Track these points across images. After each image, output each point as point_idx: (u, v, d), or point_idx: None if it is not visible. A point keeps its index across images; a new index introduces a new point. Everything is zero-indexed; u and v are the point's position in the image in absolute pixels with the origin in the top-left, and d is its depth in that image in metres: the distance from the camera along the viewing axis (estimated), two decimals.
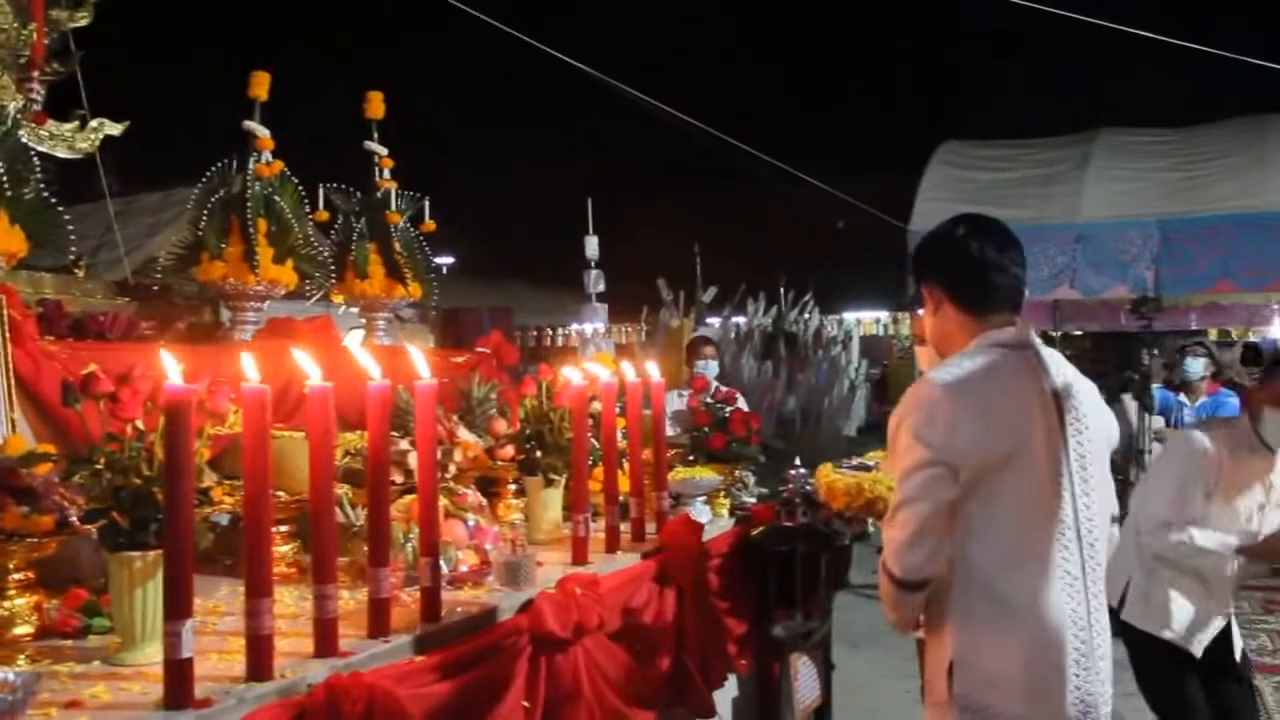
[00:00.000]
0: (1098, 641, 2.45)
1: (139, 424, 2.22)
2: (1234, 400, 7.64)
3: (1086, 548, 2.46)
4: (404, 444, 3.24)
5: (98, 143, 4.24)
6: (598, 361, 3.77)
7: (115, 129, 4.30)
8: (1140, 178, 10.74)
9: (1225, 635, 3.99)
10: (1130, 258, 10.06)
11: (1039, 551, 2.40)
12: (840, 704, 4.62)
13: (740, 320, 15.21)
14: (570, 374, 3.39)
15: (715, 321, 14.98)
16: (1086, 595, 2.44)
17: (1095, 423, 2.53)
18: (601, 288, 11.13)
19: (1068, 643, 2.40)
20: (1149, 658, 4.00)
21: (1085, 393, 2.55)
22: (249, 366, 2.13)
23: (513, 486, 3.70)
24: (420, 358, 2.67)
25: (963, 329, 2.56)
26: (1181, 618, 3.92)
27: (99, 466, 2.19)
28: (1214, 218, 9.96)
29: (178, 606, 1.92)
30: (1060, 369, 2.52)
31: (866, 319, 26.40)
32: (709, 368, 7.11)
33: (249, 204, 4.00)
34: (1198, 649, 3.92)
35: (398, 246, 4.72)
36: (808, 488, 3.94)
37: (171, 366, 2.01)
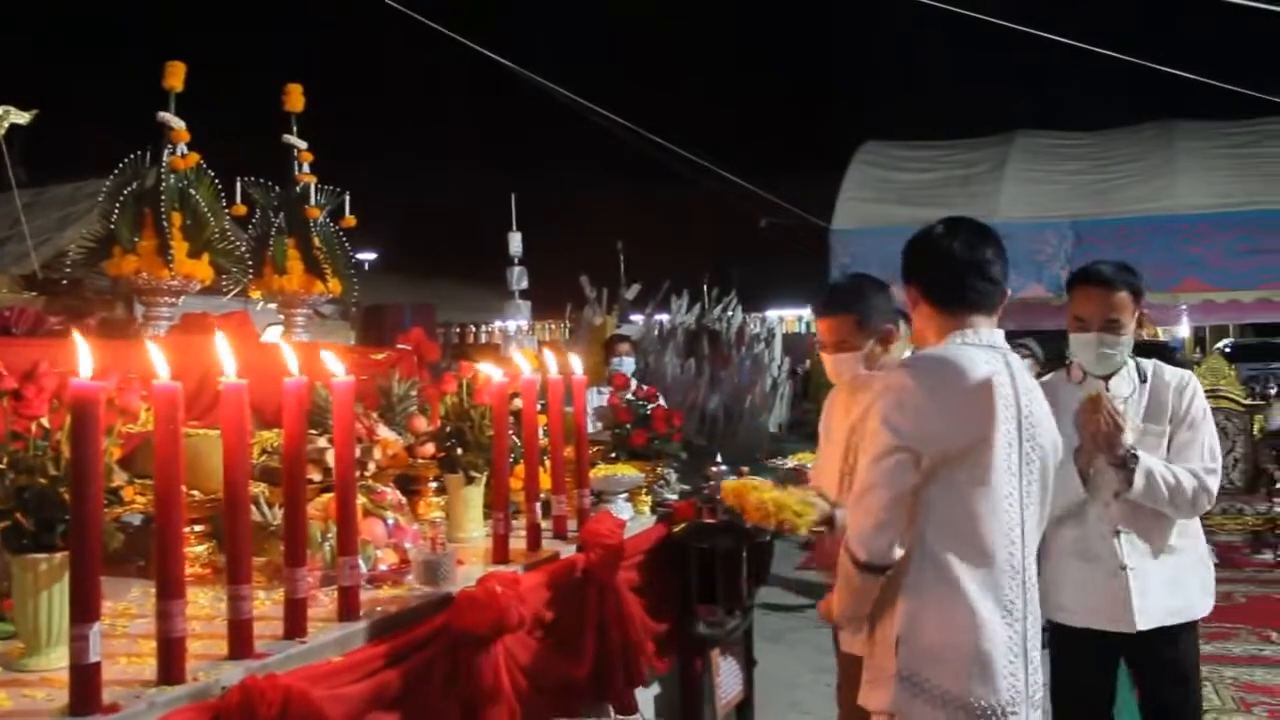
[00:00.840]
0: (1031, 633, 2.57)
1: (45, 422, 2.15)
2: None
3: (1027, 546, 2.59)
4: (322, 442, 3.19)
5: (3, 131, 4.12)
6: (522, 355, 3.74)
7: (22, 118, 4.19)
8: (1055, 180, 11.02)
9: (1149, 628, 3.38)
10: (1045, 257, 10.30)
11: (989, 542, 2.52)
12: (761, 699, 4.66)
13: (664, 318, 15.25)
14: (490, 371, 3.36)
15: (639, 319, 15.00)
16: (1024, 590, 2.57)
17: (1045, 433, 2.65)
18: (525, 284, 11.10)
19: (1001, 632, 2.51)
20: (1054, 646, 3.55)
21: (1040, 404, 2.67)
22: (159, 362, 2.08)
23: (433, 484, 3.67)
24: (333, 359, 2.62)
25: (936, 327, 2.67)
26: (1068, 589, 3.44)
27: (1, 466, 2.12)
28: (1125, 219, 10.23)
29: (84, 610, 1.86)
30: (1025, 378, 2.63)
31: (789, 316, 26.66)
32: (624, 364, 7.16)
33: (163, 197, 3.91)
34: (1099, 623, 3.42)
35: (317, 242, 4.65)
36: None
37: (84, 357, 1.96)
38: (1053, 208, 10.59)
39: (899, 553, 2.53)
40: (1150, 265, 9.85)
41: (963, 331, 2.61)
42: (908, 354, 3.24)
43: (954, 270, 2.62)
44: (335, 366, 2.57)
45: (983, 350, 2.59)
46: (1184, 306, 13.64)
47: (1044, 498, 2.67)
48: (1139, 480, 3.33)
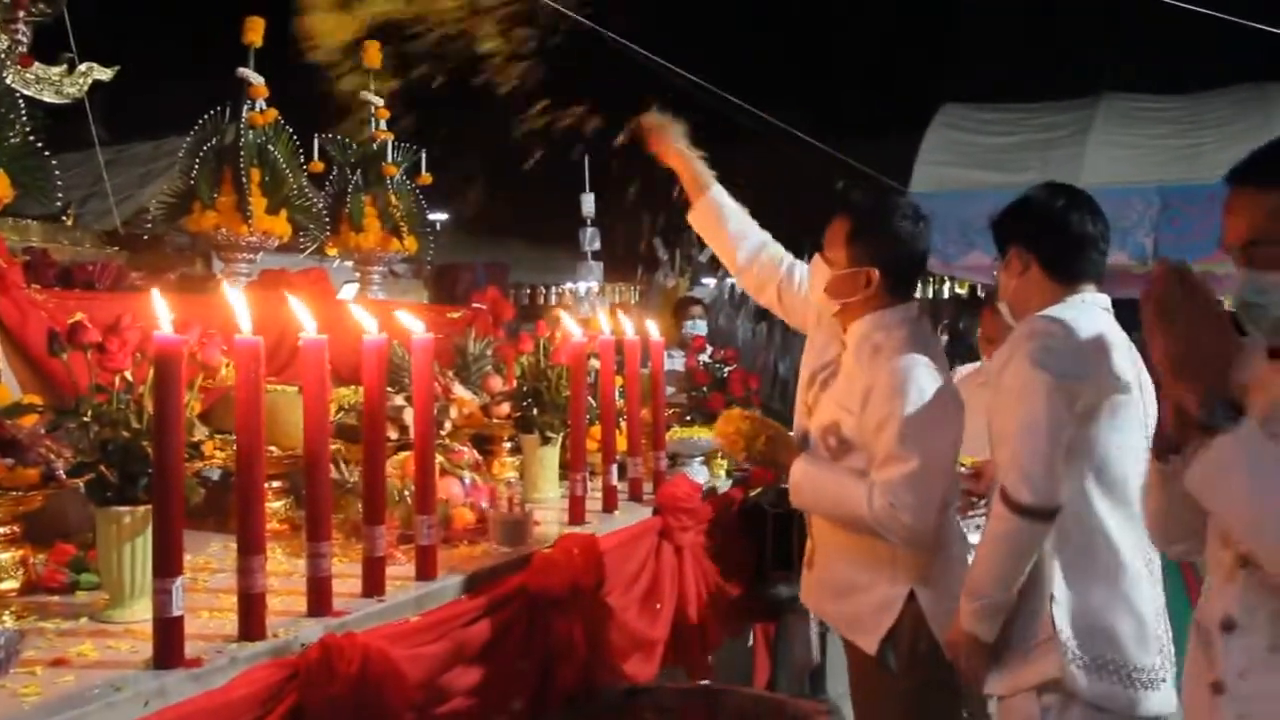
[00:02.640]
0: (1162, 594, 2.60)
1: (128, 375, 2.15)
2: None
3: None
4: (399, 400, 3.18)
5: (86, 88, 4.14)
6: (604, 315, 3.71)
7: (104, 74, 4.19)
8: (1142, 144, 10.68)
9: None
10: (1130, 224, 10.00)
11: (1135, 497, 2.42)
12: (834, 665, 4.60)
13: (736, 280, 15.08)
14: (570, 325, 3.32)
15: (711, 282, 14.88)
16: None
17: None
18: (597, 246, 11.04)
19: (1148, 590, 2.53)
20: None
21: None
22: (242, 316, 2.06)
23: (508, 444, 3.65)
24: (412, 318, 2.60)
25: (1044, 295, 2.67)
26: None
27: (86, 419, 2.13)
28: (1214, 185, 9.87)
29: (167, 564, 1.86)
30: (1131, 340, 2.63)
31: None
32: (696, 327, 7.10)
33: (242, 153, 3.91)
34: None
35: (393, 199, 4.64)
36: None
37: (163, 312, 1.95)
38: (1139, 173, 10.27)
39: (1064, 494, 2.46)
40: None
41: (1087, 295, 2.66)
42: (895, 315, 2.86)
43: (1077, 244, 2.68)
44: (414, 324, 2.54)
45: (1108, 314, 2.66)
46: None
47: None
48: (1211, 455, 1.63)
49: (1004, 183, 10.26)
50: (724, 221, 3.32)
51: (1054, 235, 2.69)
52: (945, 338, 8.24)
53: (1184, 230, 9.90)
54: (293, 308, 2.23)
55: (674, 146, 3.33)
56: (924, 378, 2.72)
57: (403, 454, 2.96)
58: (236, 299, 2.10)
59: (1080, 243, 2.68)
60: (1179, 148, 10.57)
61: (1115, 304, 2.72)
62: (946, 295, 17.06)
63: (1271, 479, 1.53)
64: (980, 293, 17.66)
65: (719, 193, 3.34)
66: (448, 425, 3.33)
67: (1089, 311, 2.61)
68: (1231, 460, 1.56)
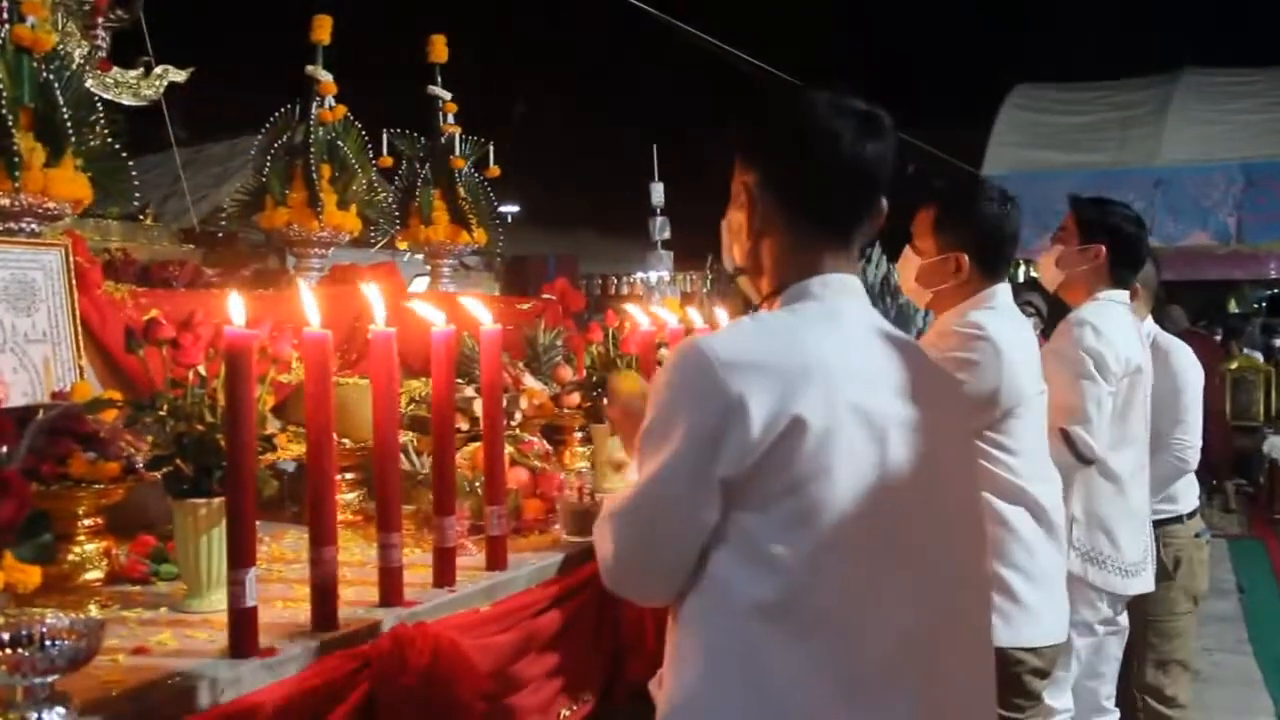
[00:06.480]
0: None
1: (201, 370, 2.19)
2: None
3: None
4: (469, 391, 3.21)
5: (162, 90, 4.23)
6: (664, 306, 3.70)
7: (180, 76, 4.29)
8: (1224, 120, 10.39)
9: None
10: (1212, 203, 9.76)
11: (1138, 438, 3.43)
12: None
13: None
14: (637, 315, 3.31)
15: None
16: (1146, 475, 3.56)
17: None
18: (667, 235, 11.01)
19: (1142, 511, 3.48)
20: None
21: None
22: (310, 310, 2.09)
23: (578, 434, 3.66)
24: (478, 306, 2.61)
25: (1100, 283, 3.45)
26: None
27: (162, 413, 2.17)
28: None
29: (240, 555, 1.89)
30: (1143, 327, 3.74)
31: None
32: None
33: (312, 150, 3.96)
34: None
35: (462, 192, 4.67)
36: None
37: (237, 310, 1.98)
38: (1221, 149, 10.00)
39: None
40: None
41: (1113, 292, 3.43)
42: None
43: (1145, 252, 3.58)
44: (482, 315, 2.56)
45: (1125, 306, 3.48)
46: None
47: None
48: None
49: (1079, 163, 10.07)
50: None
51: (1136, 244, 3.53)
52: (1035, 320, 8.14)
53: (1269, 208, 9.63)
54: (366, 295, 2.25)
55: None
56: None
57: (473, 445, 2.98)
58: (307, 295, 2.13)
59: (1146, 252, 3.72)
60: (1263, 123, 10.26)
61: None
62: (1022, 279, 16.74)
63: None
64: None
65: None
66: (518, 416, 3.34)
67: (1114, 307, 3.38)
68: None
